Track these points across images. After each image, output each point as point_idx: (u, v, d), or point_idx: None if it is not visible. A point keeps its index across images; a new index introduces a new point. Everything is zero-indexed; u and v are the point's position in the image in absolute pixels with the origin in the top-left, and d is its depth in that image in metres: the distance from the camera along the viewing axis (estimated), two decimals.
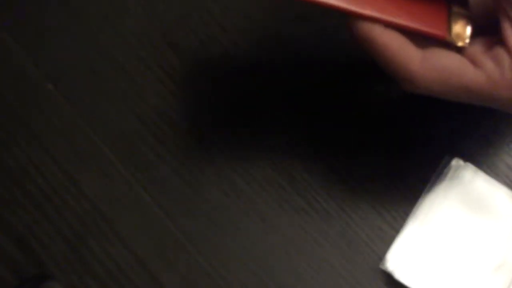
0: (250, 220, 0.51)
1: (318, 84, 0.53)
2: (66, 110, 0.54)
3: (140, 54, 0.54)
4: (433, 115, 0.52)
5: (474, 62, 0.40)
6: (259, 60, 0.54)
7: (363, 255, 0.50)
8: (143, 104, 0.54)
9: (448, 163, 0.50)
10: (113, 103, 0.54)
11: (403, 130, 0.52)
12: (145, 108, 0.53)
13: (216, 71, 0.54)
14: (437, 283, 0.48)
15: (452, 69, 0.40)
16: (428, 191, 0.50)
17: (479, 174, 0.50)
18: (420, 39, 0.41)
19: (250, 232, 0.51)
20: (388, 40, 0.40)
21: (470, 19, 0.42)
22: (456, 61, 0.40)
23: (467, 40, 0.41)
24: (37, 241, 0.51)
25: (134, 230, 0.51)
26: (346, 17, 0.40)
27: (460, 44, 0.41)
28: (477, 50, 0.41)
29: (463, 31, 0.41)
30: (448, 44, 0.41)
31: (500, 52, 0.40)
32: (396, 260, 0.49)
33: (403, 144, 0.52)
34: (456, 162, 0.50)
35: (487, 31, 0.41)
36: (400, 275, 0.49)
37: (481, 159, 0.51)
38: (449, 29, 0.41)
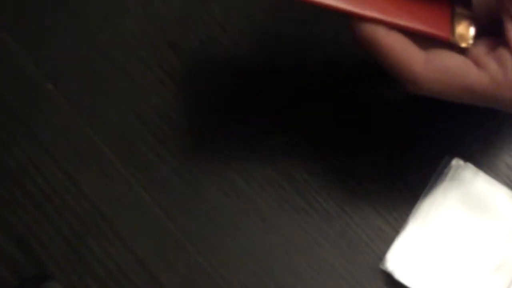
0: (250, 220, 0.51)
1: (318, 84, 0.53)
2: (66, 110, 0.54)
3: (140, 54, 0.54)
4: (433, 115, 0.52)
5: (477, 63, 0.40)
6: (259, 60, 0.54)
7: (363, 255, 0.50)
8: (143, 104, 0.54)
9: (448, 163, 0.50)
10: (113, 103, 0.54)
11: (403, 130, 0.52)
12: (145, 108, 0.53)
13: (216, 71, 0.54)
14: (437, 283, 0.48)
15: (456, 70, 0.40)
16: (428, 191, 0.50)
17: (479, 174, 0.50)
18: (423, 40, 0.41)
19: (250, 232, 0.51)
20: (391, 41, 0.39)
21: (473, 20, 0.41)
22: (460, 62, 0.40)
23: (470, 41, 0.41)
24: (37, 241, 0.51)
25: (134, 230, 0.51)
26: (348, 18, 0.40)
27: (463, 45, 0.41)
28: (481, 51, 0.41)
29: (466, 32, 0.41)
30: (451, 45, 0.41)
31: (504, 53, 0.40)
32: (396, 260, 0.49)
33: (403, 144, 0.52)
34: (456, 162, 0.50)
35: (490, 32, 0.41)
36: (400, 275, 0.49)
37: (481, 159, 0.51)
38: (452, 30, 0.41)
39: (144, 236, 0.51)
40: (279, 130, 0.53)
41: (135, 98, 0.54)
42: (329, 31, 0.53)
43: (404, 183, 0.51)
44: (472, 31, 0.41)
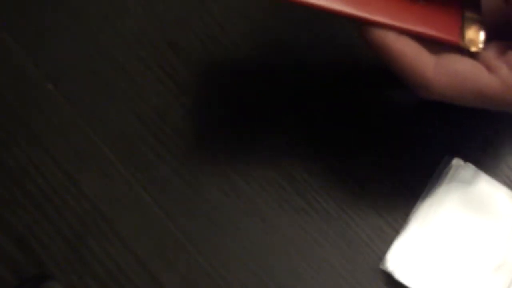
0: (250, 220, 0.51)
1: (318, 84, 0.53)
2: (66, 110, 0.54)
3: (140, 54, 0.54)
4: (434, 115, 0.52)
5: (488, 67, 0.40)
6: (259, 60, 0.54)
7: (363, 255, 0.50)
8: (143, 104, 0.54)
9: (448, 163, 0.50)
10: (113, 103, 0.54)
11: (403, 130, 0.52)
12: (145, 108, 0.53)
13: (216, 71, 0.54)
14: (437, 283, 0.48)
15: (466, 75, 0.40)
16: (428, 191, 0.50)
17: (480, 174, 0.50)
18: (433, 45, 0.40)
19: (250, 232, 0.51)
20: (402, 47, 0.39)
21: (483, 24, 0.41)
22: (470, 66, 0.40)
23: (481, 45, 0.41)
24: (37, 241, 0.51)
25: (134, 230, 0.51)
26: (358, 24, 0.40)
27: (473, 49, 0.41)
28: (491, 55, 0.41)
29: (476, 36, 0.41)
30: (462, 50, 0.41)
31: None
32: (396, 260, 0.49)
33: (403, 144, 0.52)
34: (456, 162, 0.50)
35: (500, 36, 0.41)
36: (400, 275, 0.49)
37: (481, 159, 0.51)
38: (462, 34, 0.41)
39: (144, 236, 0.51)
40: (279, 130, 0.52)
41: (135, 98, 0.54)
42: (329, 31, 0.53)
43: (404, 183, 0.51)
44: (482, 35, 0.41)
